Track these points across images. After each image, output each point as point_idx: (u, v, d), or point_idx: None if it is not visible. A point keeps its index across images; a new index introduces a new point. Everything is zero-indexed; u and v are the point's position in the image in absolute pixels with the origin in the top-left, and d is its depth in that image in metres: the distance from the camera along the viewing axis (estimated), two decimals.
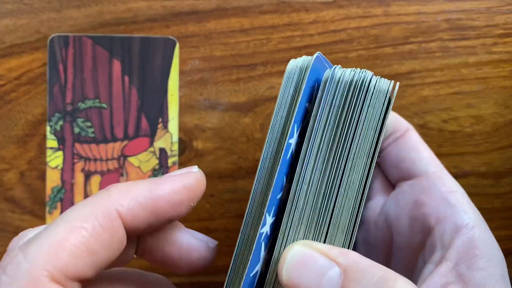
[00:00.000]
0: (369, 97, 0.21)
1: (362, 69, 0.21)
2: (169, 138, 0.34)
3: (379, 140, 0.21)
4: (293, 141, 0.21)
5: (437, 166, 0.26)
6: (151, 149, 0.34)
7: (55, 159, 0.34)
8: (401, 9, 0.34)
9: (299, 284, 0.20)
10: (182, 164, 0.34)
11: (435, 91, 0.34)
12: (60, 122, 0.34)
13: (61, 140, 0.34)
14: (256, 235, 0.21)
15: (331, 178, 0.21)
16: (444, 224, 0.24)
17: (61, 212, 0.34)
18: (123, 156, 0.34)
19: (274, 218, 0.22)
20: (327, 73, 0.22)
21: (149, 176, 0.34)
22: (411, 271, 0.25)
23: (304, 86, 0.21)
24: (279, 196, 0.22)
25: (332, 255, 0.20)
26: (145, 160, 0.34)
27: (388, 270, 0.19)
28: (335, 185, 0.21)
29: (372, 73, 0.21)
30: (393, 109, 0.34)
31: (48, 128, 0.34)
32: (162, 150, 0.34)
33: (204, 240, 0.24)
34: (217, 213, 0.34)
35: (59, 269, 0.18)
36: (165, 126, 0.34)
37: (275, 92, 0.34)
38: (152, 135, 0.34)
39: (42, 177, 0.34)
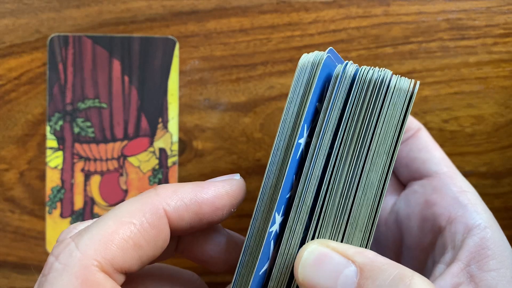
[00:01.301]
0: (390, 96, 0.21)
1: (381, 68, 0.21)
2: (169, 138, 0.34)
3: (399, 139, 0.21)
4: (302, 141, 0.21)
5: (449, 166, 0.26)
6: (151, 149, 0.34)
7: (55, 159, 0.34)
8: (401, 9, 0.34)
9: (315, 282, 0.20)
10: (182, 164, 0.34)
11: (435, 91, 0.34)
12: (60, 122, 0.34)
13: (61, 140, 0.34)
14: (265, 233, 0.21)
15: (349, 177, 0.21)
16: (455, 224, 0.24)
17: (61, 212, 0.34)
18: (123, 156, 0.34)
19: (283, 217, 0.22)
20: (338, 69, 0.21)
21: (149, 176, 0.34)
22: (421, 271, 0.25)
23: (315, 84, 0.21)
24: (288, 195, 0.21)
25: (349, 253, 0.20)
26: (145, 160, 0.34)
27: (404, 268, 0.19)
28: (354, 184, 0.21)
29: (391, 71, 0.21)
30: None
31: (48, 128, 0.34)
32: (162, 150, 0.34)
33: (242, 239, 0.24)
34: None
35: (107, 260, 0.19)
36: (165, 126, 0.34)
37: (275, 92, 0.34)
38: (152, 135, 0.34)
39: (42, 177, 0.34)
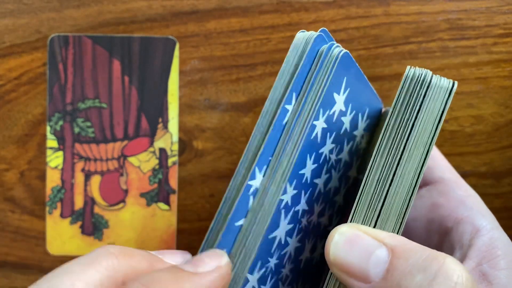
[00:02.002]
0: (430, 92, 0.22)
1: (421, 68, 0.23)
2: (169, 138, 0.34)
3: (437, 131, 0.22)
4: (290, 108, 0.22)
5: (453, 173, 0.27)
6: (151, 149, 0.34)
7: (55, 159, 0.34)
8: (401, 9, 0.34)
9: (346, 262, 0.20)
10: (182, 164, 0.34)
11: None
12: (60, 122, 0.34)
13: (61, 140, 0.34)
14: (243, 186, 0.22)
15: (386, 165, 0.22)
16: (462, 225, 0.24)
17: (61, 212, 0.34)
18: (123, 156, 0.34)
19: (264, 177, 0.22)
20: (323, 47, 0.23)
21: (149, 176, 0.34)
22: None
23: (305, 56, 0.22)
24: (270, 157, 0.22)
25: (380, 237, 0.20)
26: (145, 160, 0.34)
27: (436, 251, 0.20)
28: (390, 172, 0.22)
29: (431, 72, 0.23)
30: None
31: (48, 128, 0.34)
32: (162, 150, 0.34)
33: (182, 258, 0.22)
34: None
35: None
36: (165, 126, 0.34)
37: None
38: (152, 135, 0.34)
39: (42, 177, 0.34)
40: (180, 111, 0.34)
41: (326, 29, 0.23)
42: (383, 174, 0.22)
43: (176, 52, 0.34)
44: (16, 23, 0.34)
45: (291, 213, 0.23)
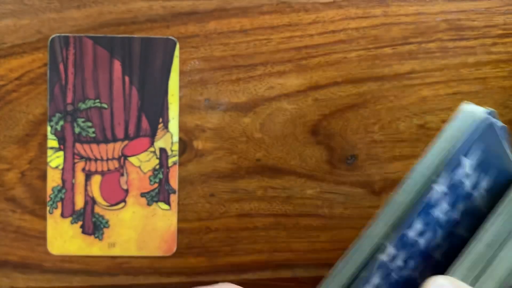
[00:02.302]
0: None
1: None
2: (169, 138, 0.34)
3: None
4: (439, 188, 0.22)
5: None
6: (152, 149, 0.34)
7: (55, 159, 0.34)
8: (400, 9, 0.34)
9: None
10: (182, 164, 0.34)
11: (434, 91, 0.34)
12: (61, 122, 0.34)
13: (61, 140, 0.34)
14: (375, 259, 0.22)
15: (501, 229, 0.22)
16: None
17: (62, 212, 0.34)
18: (124, 156, 0.34)
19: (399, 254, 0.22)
20: (492, 141, 0.23)
21: (149, 176, 0.34)
22: None
23: (468, 140, 0.22)
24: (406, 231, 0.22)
25: None
26: (146, 160, 0.34)
27: None
28: (503, 237, 0.22)
29: None
30: (393, 110, 0.34)
31: (48, 128, 0.34)
32: (162, 150, 0.34)
33: None
34: (217, 213, 0.35)
35: None
36: (166, 126, 0.34)
37: (275, 92, 0.34)
38: (152, 135, 0.34)
39: (43, 177, 0.34)
40: (180, 111, 0.34)
41: (494, 110, 0.23)
42: (496, 236, 0.22)
43: (176, 53, 0.34)
44: (17, 23, 0.34)
45: (385, 271, 0.23)
